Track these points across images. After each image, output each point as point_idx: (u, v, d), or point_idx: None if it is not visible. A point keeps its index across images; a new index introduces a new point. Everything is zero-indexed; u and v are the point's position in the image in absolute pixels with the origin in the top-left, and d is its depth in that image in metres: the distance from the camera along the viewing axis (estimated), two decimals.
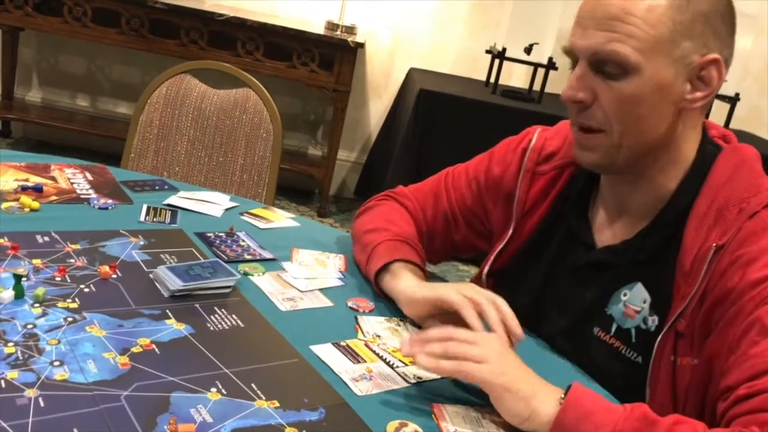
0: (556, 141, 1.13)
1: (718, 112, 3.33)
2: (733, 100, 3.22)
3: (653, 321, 0.99)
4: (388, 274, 1.08)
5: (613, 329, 1.02)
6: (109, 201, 1.26)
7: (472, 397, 0.89)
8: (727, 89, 3.32)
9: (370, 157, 3.75)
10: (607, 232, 1.06)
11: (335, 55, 3.30)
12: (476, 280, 1.19)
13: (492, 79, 3.39)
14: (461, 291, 0.97)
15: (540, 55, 3.28)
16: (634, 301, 1.01)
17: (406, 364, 0.93)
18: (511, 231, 1.13)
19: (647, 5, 0.90)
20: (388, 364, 0.93)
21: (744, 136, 3.57)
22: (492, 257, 1.16)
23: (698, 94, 0.94)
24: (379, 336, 0.99)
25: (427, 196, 1.24)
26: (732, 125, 3.33)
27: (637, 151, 0.97)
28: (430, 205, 1.23)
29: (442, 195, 1.23)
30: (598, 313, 1.04)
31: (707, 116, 1.05)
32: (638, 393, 0.97)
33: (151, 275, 1.03)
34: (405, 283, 1.05)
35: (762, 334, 0.83)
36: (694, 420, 0.80)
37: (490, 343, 0.88)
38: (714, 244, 0.91)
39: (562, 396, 0.81)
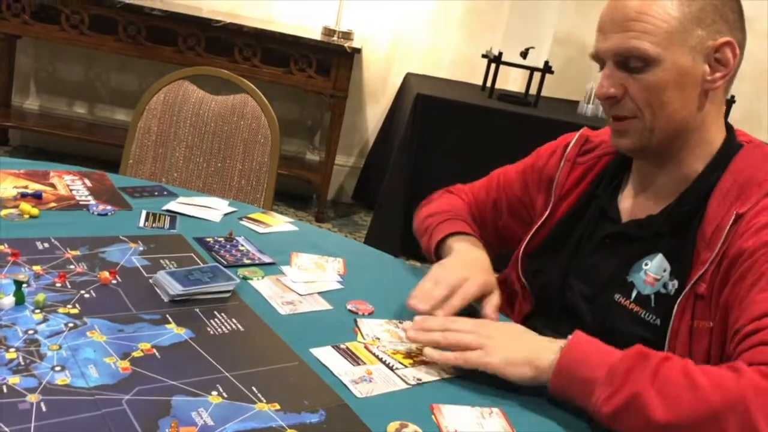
0: (597, 138, 1.24)
1: None
2: (728, 103, 3.23)
3: (673, 285, 1.05)
4: (445, 248, 1.21)
5: (633, 295, 1.08)
6: (108, 207, 1.27)
7: (472, 396, 0.89)
8: None
9: (368, 162, 3.76)
10: (633, 209, 1.14)
11: (332, 61, 3.31)
12: (513, 263, 1.26)
13: (488, 84, 3.40)
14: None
15: (536, 59, 3.30)
16: (654, 270, 1.07)
17: (406, 366, 0.94)
18: (548, 212, 1.22)
19: (658, 4, 1.01)
20: (387, 366, 0.93)
21: None
22: (527, 238, 1.23)
23: (717, 75, 1.03)
24: (378, 338, 1.00)
25: (480, 188, 1.37)
26: None
27: (669, 133, 1.05)
28: (482, 195, 1.36)
29: (493, 185, 1.35)
30: (620, 280, 1.10)
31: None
32: None
33: (150, 280, 1.03)
34: (448, 260, 1.15)
35: None
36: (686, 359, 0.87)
37: (481, 328, 0.97)
38: (735, 212, 0.99)
39: (563, 346, 0.89)
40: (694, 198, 1.06)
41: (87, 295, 0.96)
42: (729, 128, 1.10)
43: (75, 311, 0.92)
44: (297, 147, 3.85)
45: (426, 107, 3.12)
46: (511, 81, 3.70)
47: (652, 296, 1.06)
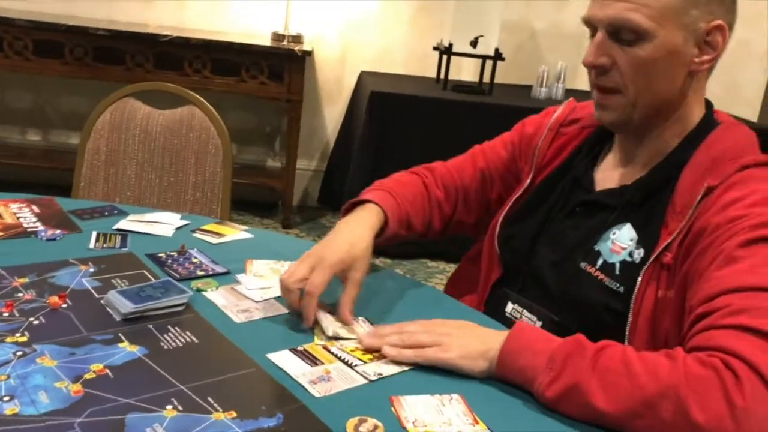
0: (584, 110, 1.25)
1: None
2: None
3: (639, 254, 1.05)
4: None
5: (599, 263, 1.09)
6: (57, 231, 1.25)
7: (432, 385, 0.89)
8: None
9: (330, 164, 3.75)
10: (607, 180, 1.15)
11: (284, 66, 3.30)
12: (489, 231, 1.26)
13: (442, 75, 3.41)
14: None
15: (486, 47, 3.32)
16: (621, 239, 1.08)
17: (366, 362, 0.94)
18: (528, 181, 1.22)
19: None
20: (347, 363, 0.93)
21: None
22: (507, 206, 1.24)
23: (705, 57, 1.04)
24: (338, 335, 0.99)
25: (464, 160, 1.34)
26: None
27: (650, 109, 1.06)
28: (467, 165, 1.32)
29: (478, 156, 1.33)
30: (587, 248, 1.10)
31: None
32: (620, 328, 1.02)
33: (102, 301, 1.02)
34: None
35: (725, 261, 0.91)
36: (625, 345, 0.89)
37: (435, 327, 0.98)
38: (706, 184, 0.99)
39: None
40: (667, 170, 1.07)
41: (36, 322, 0.95)
42: (708, 105, 1.12)
43: (24, 339, 0.90)
44: (257, 155, 3.83)
45: (382, 104, 3.13)
46: (464, 71, 3.72)
47: (617, 264, 1.07)
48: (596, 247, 1.09)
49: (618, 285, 1.05)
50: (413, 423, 0.82)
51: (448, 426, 0.82)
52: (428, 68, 3.68)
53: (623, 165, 1.14)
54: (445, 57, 3.37)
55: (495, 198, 1.32)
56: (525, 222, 1.21)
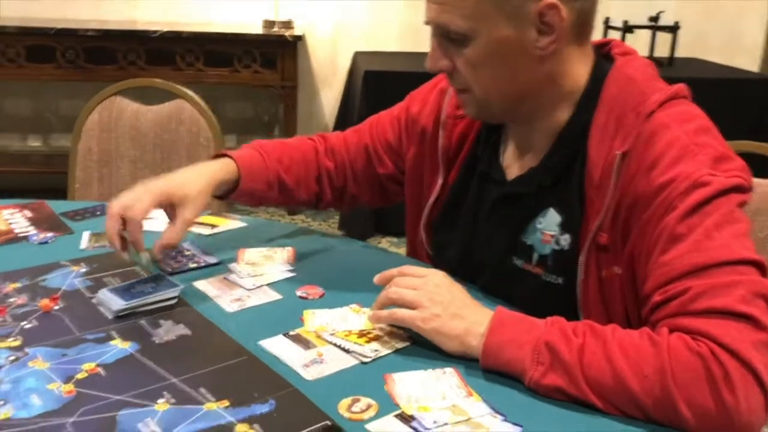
0: None
1: (662, 41, 3.34)
2: (673, 29, 3.23)
3: (566, 240, 0.99)
4: None
5: (535, 258, 1.02)
6: (49, 234, 1.25)
7: (425, 362, 0.89)
8: (666, 19, 3.32)
9: None
10: (515, 167, 1.07)
11: (276, 53, 3.28)
12: (412, 237, 1.21)
13: None
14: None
15: None
16: (548, 227, 1.01)
17: (362, 345, 0.93)
18: (441, 180, 1.15)
19: None
20: (342, 348, 0.92)
21: (692, 62, 3.58)
22: (427, 209, 1.17)
23: (545, 41, 0.93)
24: (326, 324, 0.98)
25: (352, 134, 1.31)
26: (678, 53, 3.34)
27: (509, 103, 1.00)
28: (353, 141, 1.29)
29: (365, 131, 1.29)
30: (519, 244, 1.04)
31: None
32: (571, 317, 0.95)
33: (93, 300, 1.02)
34: None
35: (670, 242, 0.86)
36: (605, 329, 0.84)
37: (426, 285, 0.93)
38: (618, 152, 0.92)
39: (483, 332, 0.87)
40: (570, 141, 0.99)
41: (29, 326, 0.95)
42: (597, 49, 1.02)
43: (16, 343, 0.90)
44: None
45: (376, 83, 3.10)
46: None
47: (550, 255, 1.01)
48: (527, 241, 1.03)
49: (556, 277, 1.00)
50: (407, 399, 0.81)
51: (441, 400, 0.81)
52: (423, 43, 3.63)
53: (526, 149, 1.06)
54: None
55: (385, 174, 1.26)
56: (452, 229, 1.14)
